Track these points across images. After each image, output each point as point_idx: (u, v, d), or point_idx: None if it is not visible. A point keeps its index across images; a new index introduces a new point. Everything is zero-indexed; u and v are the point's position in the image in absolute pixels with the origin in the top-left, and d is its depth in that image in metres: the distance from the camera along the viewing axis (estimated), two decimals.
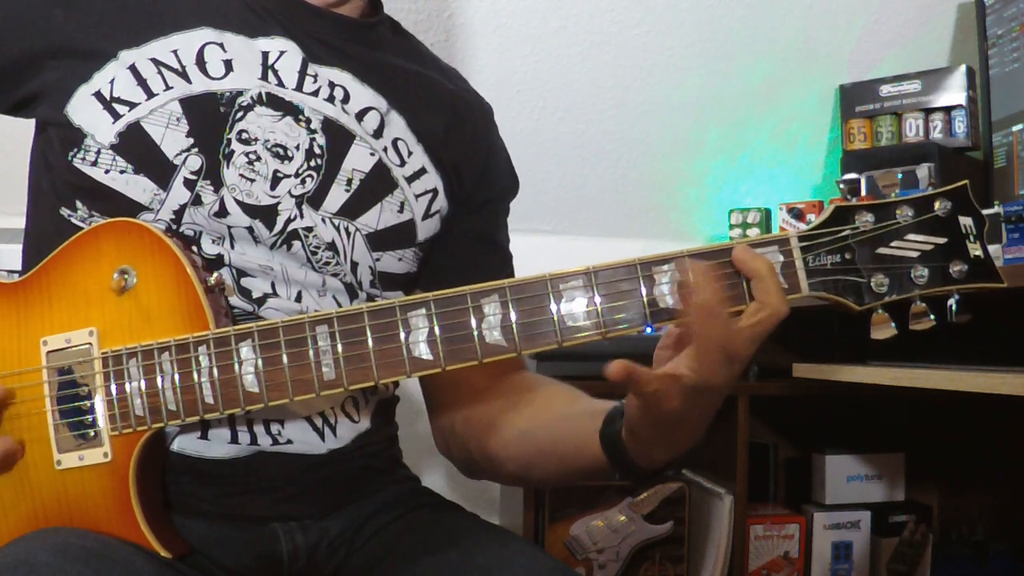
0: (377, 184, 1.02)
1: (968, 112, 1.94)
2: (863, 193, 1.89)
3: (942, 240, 0.81)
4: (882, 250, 0.81)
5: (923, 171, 0.86)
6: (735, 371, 0.79)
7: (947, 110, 1.96)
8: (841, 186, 0.83)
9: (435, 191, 1.07)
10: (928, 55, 2.13)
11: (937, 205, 0.81)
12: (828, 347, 1.72)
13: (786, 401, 1.96)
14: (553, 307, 0.81)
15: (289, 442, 0.98)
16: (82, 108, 0.95)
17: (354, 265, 1.01)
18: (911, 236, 0.81)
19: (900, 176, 0.84)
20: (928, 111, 1.98)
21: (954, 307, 0.80)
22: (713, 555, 1.80)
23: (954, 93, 1.96)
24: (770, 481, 2.02)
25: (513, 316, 0.82)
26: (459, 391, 1.07)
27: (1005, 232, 1.30)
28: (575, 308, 0.81)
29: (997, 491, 2.06)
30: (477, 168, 1.11)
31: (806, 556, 1.90)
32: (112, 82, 0.95)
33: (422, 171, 1.05)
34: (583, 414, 0.92)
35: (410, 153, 1.05)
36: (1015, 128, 1.80)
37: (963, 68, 1.96)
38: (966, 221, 0.81)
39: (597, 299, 0.81)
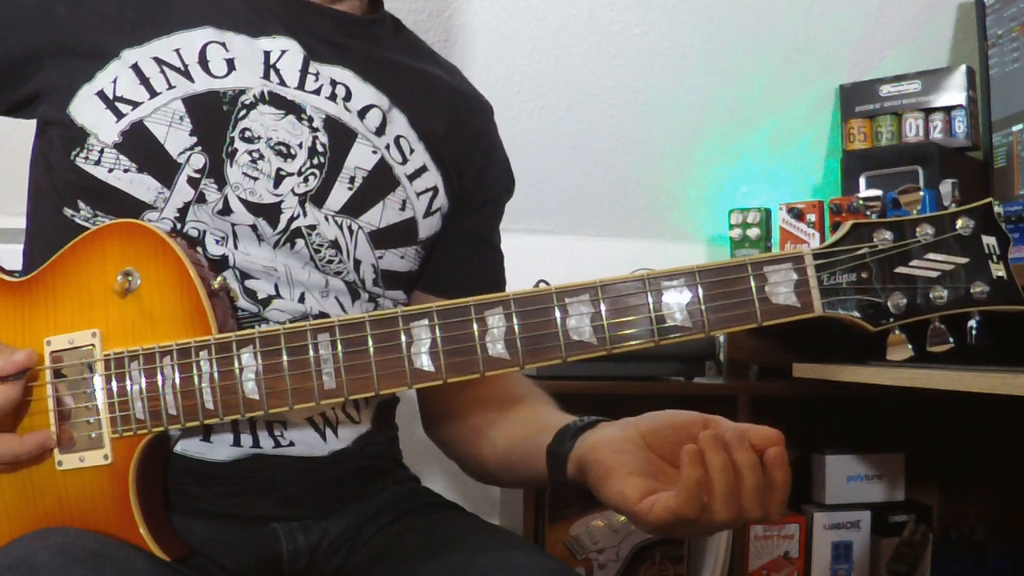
0: (379, 182, 1.02)
1: (968, 112, 1.94)
2: (863, 189, 1.88)
3: (963, 260, 0.78)
4: (900, 269, 0.79)
5: (946, 187, 0.83)
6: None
7: (947, 110, 1.96)
8: (862, 202, 0.80)
9: (436, 189, 1.07)
10: (928, 55, 2.13)
11: (960, 223, 0.79)
12: (828, 347, 1.71)
13: (786, 401, 1.95)
14: (558, 321, 0.80)
15: (291, 444, 0.98)
16: (85, 108, 0.94)
17: (357, 263, 1.01)
18: (931, 255, 0.78)
19: (924, 193, 0.81)
20: (928, 111, 1.98)
21: (974, 329, 0.78)
22: (713, 555, 1.80)
23: (954, 93, 1.96)
24: None
25: (517, 329, 0.80)
26: (461, 401, 1.08)
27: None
28: (581, 323, 0.80)
29: (997, 491, 2.06)
30: (477, 166, 1.11)
31: (806, 556, 1.90)
32: (115, 81, 0.94)
33: (423, 169, 1.05)
34: (542, 430, 0.94)
35: (412, 151, 1.05)
36: (1015, 128, 1.80)
37: (963, 68, 1.96)
38: (989, 240, 0.79)
39: (604, 314, 0.79)
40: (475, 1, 1.95)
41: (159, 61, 0.96)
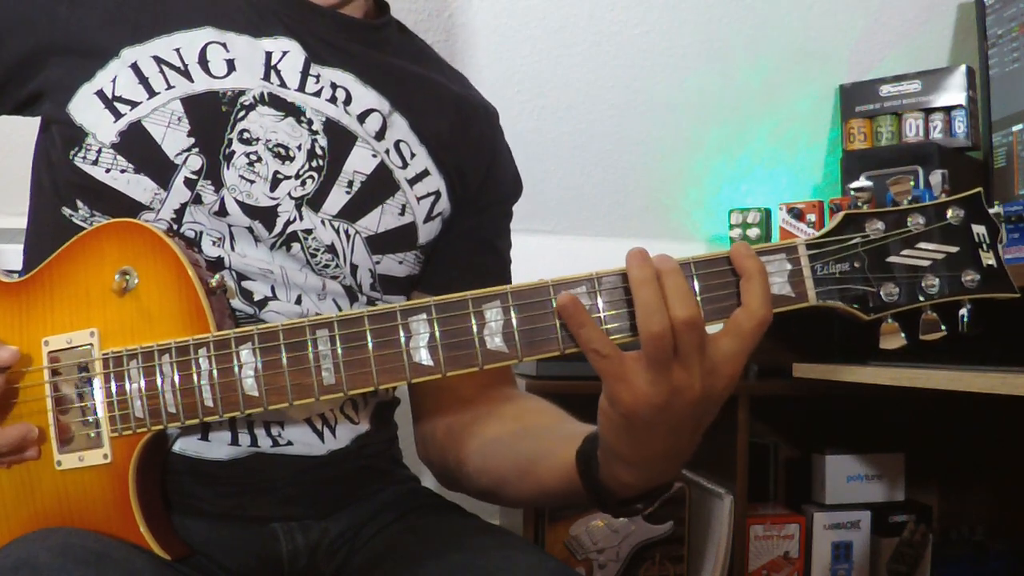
0: (378, 186, 1.02)
1: (968, 112, 1.94)
2: (861, 184, 1.89)
3: (954, 249, 0.79)
4: (892, 259, 0.79)
5: (936, 177, 0.84)
6: (718, 387, 0.76)
7: (947, 110, 1.96)
8: (853, 192, 0.81)
9: (438, 193, 1.06)
10: (928, 55, 2.13)
11: (950, 213, 0.80)
12: (828, 347, 1.72)
13: (786, 401, 1.96)
14: (556, 314, 0.79)
15: (289, 444, 0.98)
16: (84, 107, 0.95)
17: (354, 268, 1.01)
18: (922, 245, 0.79)
19: (913, 183, 0.82)
20: (928, 111, 1.98)
21: (965, 317, 0.79)
22: (713, 555, 1.80)
23: (954, 93, 1.96)
24: (770, 481, 2.03)
25: (515, 322, 0.80)
26: (446, 398, 1.07)
27: (1005, 232, 1.30)
28: None
29: (997, 491, 2.06)
30: (481, 171, 1.10)
31: (806, 556, 1.90)
32: (114, 81, 0.94)
33: (425, 173, 1.05)
34: (566, 435, 0.90)
35: (413, 155, 1.04)
36: (1015, 128, 1.80)
37: (963, 68, 1.96)
38: (979, 229, 0.80)
39: (601, 306, 0.79)
40: (475, 1, 1.95)
41: (159, 60, 0.96)
